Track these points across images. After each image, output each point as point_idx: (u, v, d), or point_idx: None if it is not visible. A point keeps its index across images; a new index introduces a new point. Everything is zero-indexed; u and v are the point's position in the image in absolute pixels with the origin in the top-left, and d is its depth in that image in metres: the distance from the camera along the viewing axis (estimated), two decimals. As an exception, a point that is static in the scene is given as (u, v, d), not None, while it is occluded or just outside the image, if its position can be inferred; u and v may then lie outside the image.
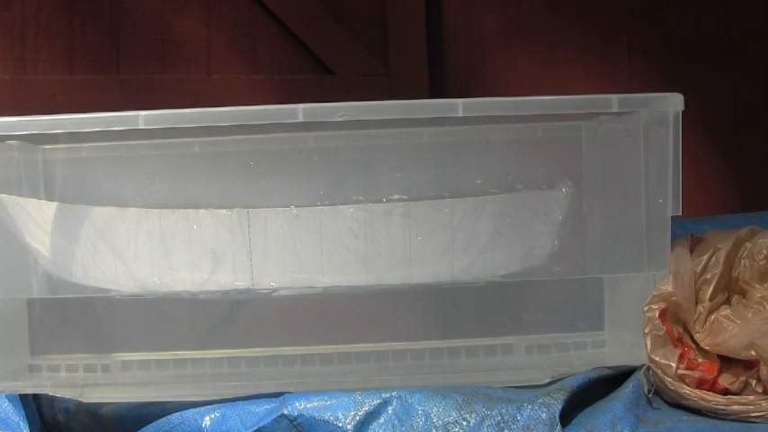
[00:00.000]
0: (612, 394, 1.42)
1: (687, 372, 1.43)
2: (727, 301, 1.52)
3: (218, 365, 1.63)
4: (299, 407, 1.35)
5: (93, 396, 1.46)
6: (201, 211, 1.58)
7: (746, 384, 1.42)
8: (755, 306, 1.48)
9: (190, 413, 1.37)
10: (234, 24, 2.58)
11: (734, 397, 1.41)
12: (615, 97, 1.52)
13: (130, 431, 1.41)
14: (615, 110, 1.53)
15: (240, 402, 1.38)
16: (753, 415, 1.38)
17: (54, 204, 1.60)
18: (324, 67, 2.59)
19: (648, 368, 1.45)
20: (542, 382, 1.45)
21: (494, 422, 1.34)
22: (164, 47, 2.55)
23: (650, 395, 1.43)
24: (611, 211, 1.62)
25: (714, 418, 1.39)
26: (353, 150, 1.63)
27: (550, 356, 1.64)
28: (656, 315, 1.47)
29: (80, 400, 1.45)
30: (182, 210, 1.58)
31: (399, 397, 1.36)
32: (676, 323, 1.48)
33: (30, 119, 1.50)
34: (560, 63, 2.67)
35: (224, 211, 1.57)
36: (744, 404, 1.39)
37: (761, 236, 1.53)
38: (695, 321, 1.49)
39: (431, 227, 1.58)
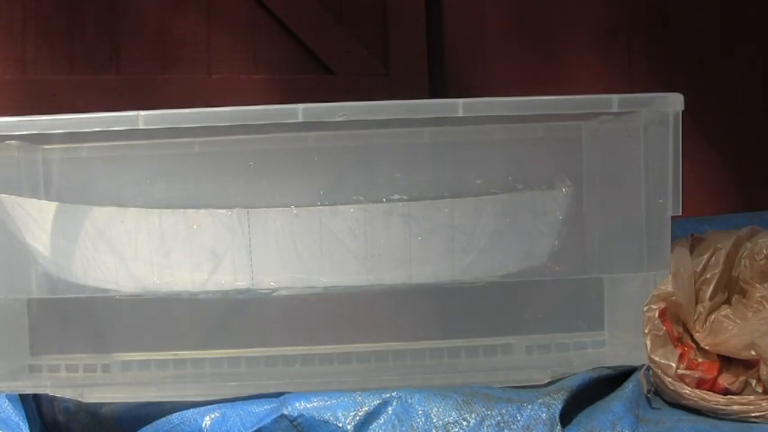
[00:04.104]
0: (612, 394, 1.42)
1: (687, 372, 1.43)
2: (728, 301, 1.52)
3: (218, 365, 1.63)
4: (299, 407, 1.35)
5: (93, 396, 1.46)
6: (201, 211, 1.58)
7: (746, 384, 1.42)
8: (755, 306, 1.48)
9: (190, 413, 1.37)
10: (234, 24, 2.58)
11: (734, 397, 1.41)
12: (615, 97, 1.52)
13: (130, 431, 1.41)
14: (615, 110, 1.53)
15: (240, 402, 1.38)
16: (753, 415, 1.38)
17: (54, 204, 1.60)
18: (324, 67, 2.59)
19: (648, 368, 1.45)
20: (542, 382, 1.45)
21: (494, 422, 1.34)
22: (164, 47, 2.55)
23: (650, 395, 1.43)
24: (611, 211, 1.62)
25: (714, 418, 1.39)
26: (353, 150, 1.63)
27: (550, 356, 1.64)
28: (656, 315, 1.47)
29: (80, 400, 1.45)
30: (182, 210, 1.58)
31: (399, 397, 1.36)
32: (676, 323, 1.48)
33: (30, 119, 1.50)
34: (560, 63, 2.67)
35: (224, 211, 1.57)
36: (744, 404, 1.39)
37: (761, 236, 1.53)
38: (695, 321, 1.49)
39: (431, 227, 1.58)
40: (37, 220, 1.59)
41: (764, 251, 1.50)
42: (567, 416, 1.36)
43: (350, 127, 1.54)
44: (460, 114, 1.49)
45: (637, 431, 1.34)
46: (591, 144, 1.63)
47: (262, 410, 1.36)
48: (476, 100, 1.50)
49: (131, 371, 1.63)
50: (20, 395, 1.42)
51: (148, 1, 2.55)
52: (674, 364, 1.43)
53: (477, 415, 1.34)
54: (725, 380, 1.43)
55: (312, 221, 1.57)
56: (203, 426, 1.36)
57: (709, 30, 2.70)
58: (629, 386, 1.43)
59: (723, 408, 1.39)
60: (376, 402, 1.36)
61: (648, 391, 1.43)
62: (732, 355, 1.44)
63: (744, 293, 1.51)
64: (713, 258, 1.52)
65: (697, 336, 1.48)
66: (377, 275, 1.57)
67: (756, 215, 2.04)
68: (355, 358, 1.63)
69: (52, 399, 1.45)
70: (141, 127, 1.48)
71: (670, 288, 1.48)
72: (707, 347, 1.47)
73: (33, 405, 1.44)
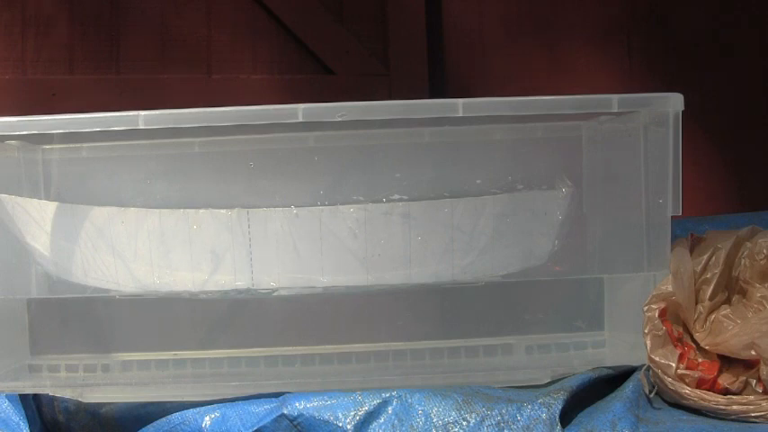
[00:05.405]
0: (612, 394, 1.42)
1: (687, 372, 1.43)
2: (728, 301, 1.52)
3: (218, 365, 1.63)
4: (299, 407, 1.35)
5: (93, 396, 1.46)
6: (201, 211, 1.58)
7: (746, 384, 1.42)
8: (756, 306, 1.48)
9: (190, 413, 1.37)
10: (234, 24, 2.58)
11: (734, 397, 1.41)
12: (615, 97, 1.52)
13: (130, 431, 1.41)
14: (615, 110, 1.53)
15: (240, 402, 1.38)
16: (753, 415, 1.38)
17: (54, 204, 1.60)
18: (324, 67, 2.59)
19: (648, 368, 1.45)
20: (542, 382, 1.45)
21: (494, 422, 1.34)
22: (164, 47, 2.55)
23: (650, 395, 1.43)
24: (611, 211, 1.62)
25: (714, 418, 1.39)
26: (353, 150, 1.63)
27: (550, 356, 1.64)
28: (656, 315, 1.47)
29: (80, 400, 1.45)
30: (182, 210, 1.58)
31: (399, 397, 1.36)
32: (676, 323, 1.48)
33: (30, 119, 1.50)
34: (560, 63, 2.67)
35: (224, 211, 1.57)
36: (744, 404, 1.38)
37: (761, 235, 1.53)
38: (695, 321, 1.49)
39: (431, 227, 1.58)
40: (37, 220, 1.59)
41: (764, 251, 1.50)
42: (566, 416, 1.36)
43: (350, 127, 1.54)
44: (460, 114, 1.49)
45: (637, 431, 1.34)
46: (591, 144, 1.63)
47: (262, 410, 1.36)
48: (476, 100, 1.50)
49: (131, 371, 1.63)
50: (20, 395, 1.42)
51: (149, 1, 2.55)
52: (674, 364, 1.43)
53: (477, 415, 1.34)
54: (725, 380, 1.43)
55: (312, 221, 1.57)
56: (203, 426, 1.36)
57: (709, 30, 2.70)
58: (629, 386, 1.43)
59: (723, 408, 1.39)
60: (376, 402, 1.36)
61: (649, 392, 1.43)
62: (732, 355, 1.44)
63: (744, 293, 1.51)
64: (713, 258, 1.52)
65: (697, 336, 1.48)
66: (377, 275, 1.57)
67: (756, 215, 2.04)
68: (355, 358, 1.63)
69: (52, 399, 1.45)
70: (141, 127, 1.48)
71: (670, 288, 1.48)
72: (707, 347, 1.46)
73: (33, 405, 1.44)
